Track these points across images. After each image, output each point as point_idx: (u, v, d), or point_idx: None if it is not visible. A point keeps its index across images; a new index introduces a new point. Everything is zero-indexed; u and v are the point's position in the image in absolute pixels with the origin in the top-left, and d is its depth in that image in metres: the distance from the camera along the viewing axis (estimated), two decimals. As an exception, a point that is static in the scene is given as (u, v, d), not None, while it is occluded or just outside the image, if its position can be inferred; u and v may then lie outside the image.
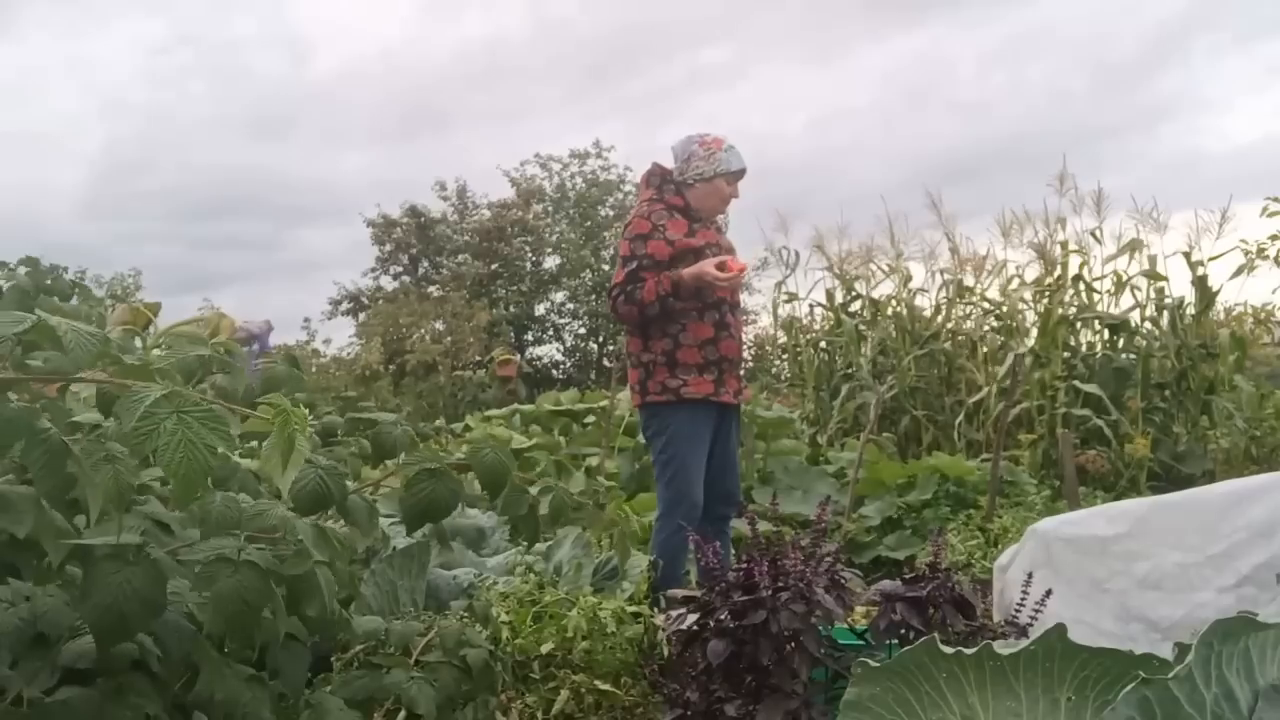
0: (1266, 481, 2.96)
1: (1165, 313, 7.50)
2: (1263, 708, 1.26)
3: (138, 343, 1.76)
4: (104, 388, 1.47)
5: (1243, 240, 7.35)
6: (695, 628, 2.54)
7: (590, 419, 7.44)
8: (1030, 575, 2.73)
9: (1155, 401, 7.24)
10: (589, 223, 20.44)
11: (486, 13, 31.81)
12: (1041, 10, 31.51)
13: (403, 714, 2.05)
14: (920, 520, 5.39)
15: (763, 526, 2.74)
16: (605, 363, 19.33)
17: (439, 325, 18.02)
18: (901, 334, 8.09)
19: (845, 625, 2.71)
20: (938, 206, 8.02)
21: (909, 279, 8.33)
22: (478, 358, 16.59)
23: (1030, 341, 7.59)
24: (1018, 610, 2.64)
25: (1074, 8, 31.71)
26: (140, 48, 34.61)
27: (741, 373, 4.04)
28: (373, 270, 21.00)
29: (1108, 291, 7.65)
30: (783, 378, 10.38)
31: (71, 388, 1.58)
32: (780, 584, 2.43)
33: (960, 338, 8.08)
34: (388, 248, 20.82)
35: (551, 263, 21.17)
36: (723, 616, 2.44)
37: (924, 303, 8.36)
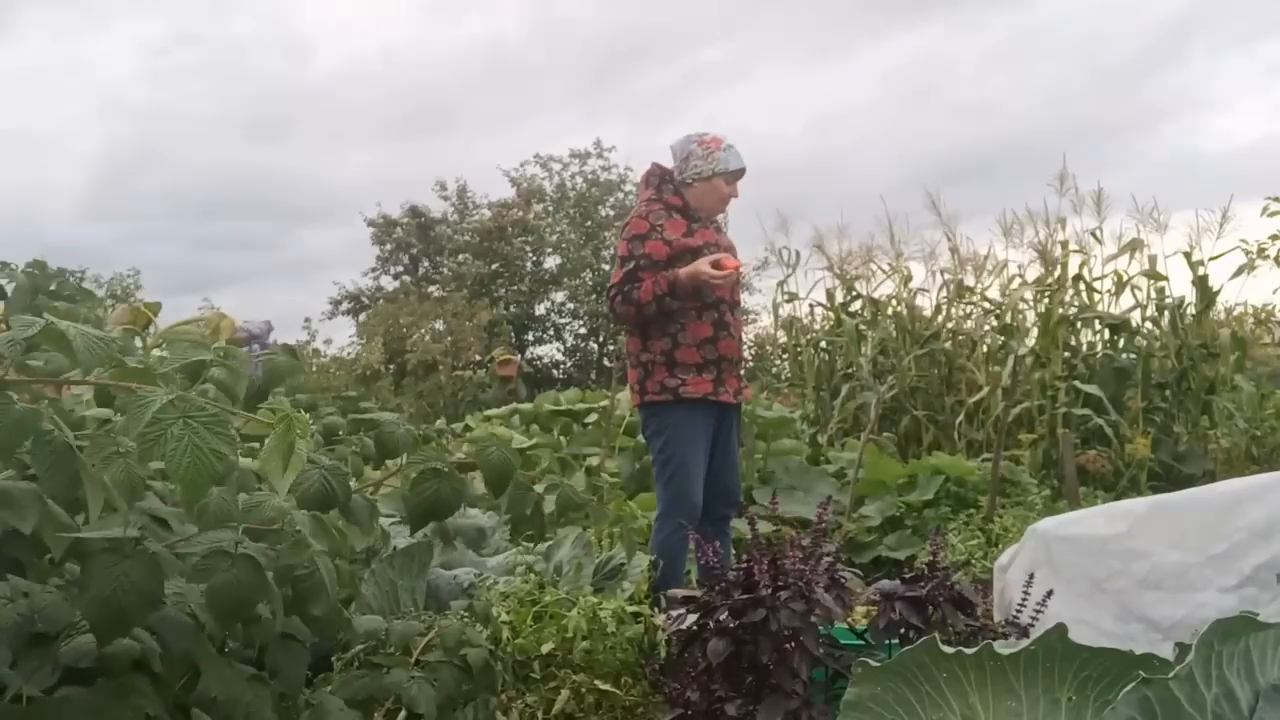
0: (1267, 481, 2.96)
1: (1166, 313, 7.49)
2: (1263, 708, 1.26)
3: (137, 343, 1.76)
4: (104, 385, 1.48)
5: (1243, 240, 7.36)
6: (695, 627, 2.54)
7: (590, 419, 7.44)
8: (1031, 575, 2.73)
9: (1156, 401, 7.23)
10: (589, 223, 20.43)
11: (487, 13, 31.81)
12: (1041, 10, 31.50)
13: (403, 714, 2.05)
14: (921, 520, 5.39)
15: (763, 527, 2.74)
16: (605, 363, 19.33)
17: (439, 325, 18.02)
18: (902, 334, 8.08)
19: (845, 625, 2.71)
20: (937, 206, 8.03)
21: (909, 279, 8.34)
22: (478, 357, 16.60)
23: (1030, 341, 7.59)
24: (1019, 610, 2.64)
25: (1074, 8, 31.70)
26: (140, 48, 34.62)
27: (742, 372, 4.04)
28: (373, 270, 21.01)
29: (1108, 291, 7.66)
30: (783, 378, 10.38)
31: (73, 387, 1.59)
32: (780, 583, 2.43)
33: (960, 338, 8.07)
34: (388, 247, 20.82)
35: (552, 263, 21.17)
36: (723, 616, 2.44)
37: (924, 303, 8.36)
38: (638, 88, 30.88)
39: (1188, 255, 7.44)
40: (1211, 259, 7.42)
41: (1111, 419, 6.88)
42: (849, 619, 2.74)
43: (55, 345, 1.38)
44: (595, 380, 18.09)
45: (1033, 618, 2.60)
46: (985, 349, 7.86)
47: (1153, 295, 7.58)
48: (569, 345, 21.56)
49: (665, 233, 3.84)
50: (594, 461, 5.94)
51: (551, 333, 21.60)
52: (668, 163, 4.02)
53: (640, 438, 4.75)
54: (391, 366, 17.55)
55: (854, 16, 31.42)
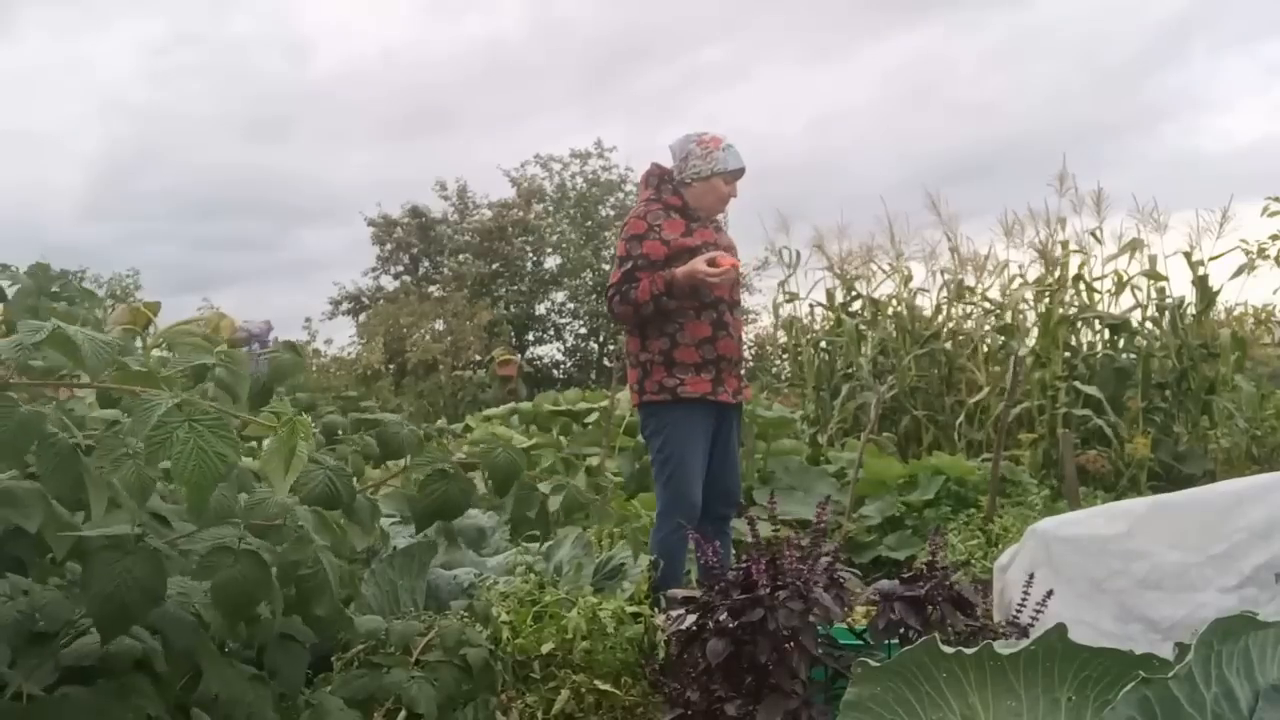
0: (1267, 482, 2.96)
1: (1166, 313, 7.49)
2: (1263, 707, 1.26)
3: (137, 343, 1.76)
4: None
5: (1243, 240, 7.36)
6: (695, 627, 2.54)
7: (591, 419, 7.45)
8: (1031, 575, 2.73)
9: (1156, 401, 7.23)
10: (590, 223, 20.43)
11: (487, 13, 31.81)
12: (1041, 10, 31.48)
13: (403, 714, 2.05)
14: (921, 520, 5.39)
15: (763, 528, 2.74)
16: (606, 363, 19.33)
17: (439, 325, 18.02)
18: (902, 334, 8.09)
19: (845, 625, 2.71)
20: (937, 206, 8.03)
21: (909, 279, 8.34)
22: (478, 357, 16.60)
23: (1030, 341, 7.59)
24: (1018, 610, 2.64)
25: (1074, 8, 31.67)
26: (140, 48, 34.61)
27: (742, 372, 4.03)
28: (373, 270, 21.02)
29: (1108, 291, 7.66)
30: (783, 378, 10.38)
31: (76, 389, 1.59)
32: (778, 583, 2.43)
33: (961, 338, 8.08)
34: (388, 247, 20.82)
35: (552, 263, 21.17)
36: (722, 616, 2.45)
37: (924, 303, 8.37)
38: (638, 88, 30.89)
39: (1188, 255, 7.44)
40: (1211, 259, 7.43)
41: (1111, 419, 6.88)
42: (848, 619, 2.74)
43: (62, 350, 1.40)
44: (595, 380, 18.09)
45: (1032, 618, 2.60)
46: (985, 349, 7.87)
47: (1153, 295, 7.58)
48: (569, 345, 21.57)
49: (663, 233, 3.84)
50: (594, 461, 5.94)
51: (552, 333, 21.61)
52: (667, 163, 4.02)
53: (640, 437, 4.76)
54: (391, 366, 17.55)
55: (854, 16, 31.43)
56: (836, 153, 31.23)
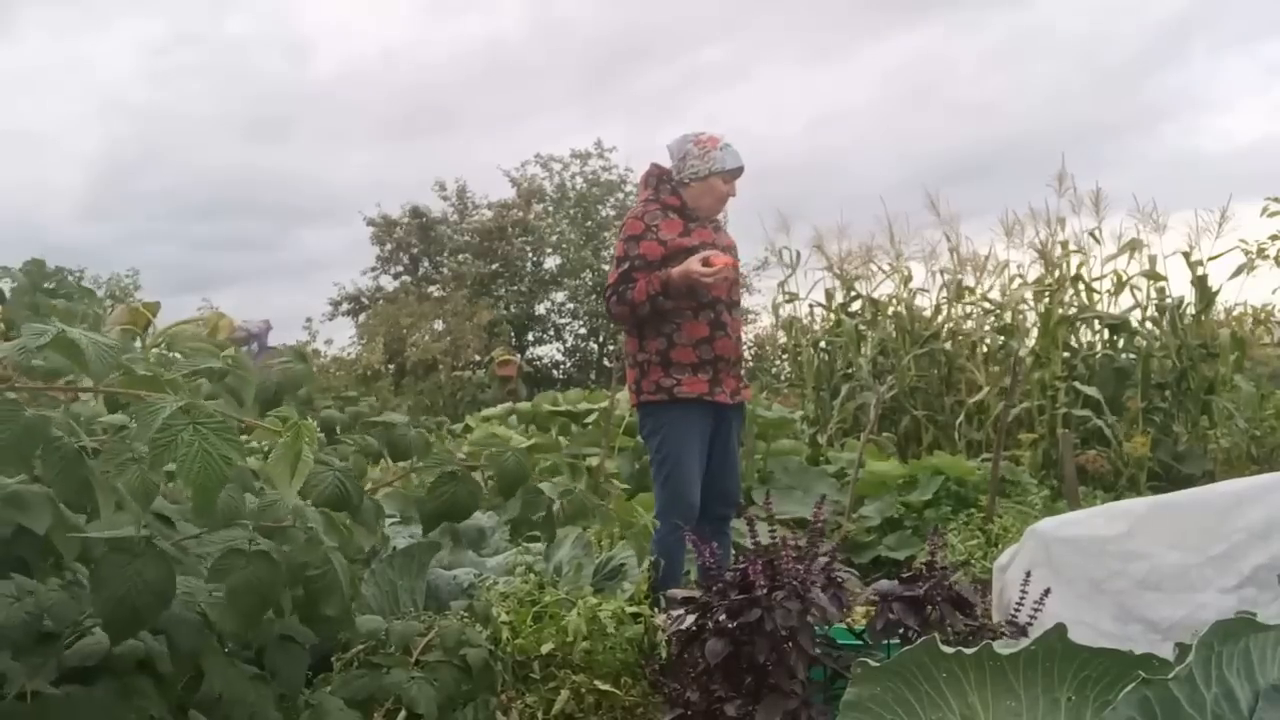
0: (1267, 482, 2.96)
1: (1165, 313, 7.50)
2: (1263, 708, 1.26)
3: (136, 343, 1.77)
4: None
5: (1242, 240, 7.36)
6: (694, 628, 2.54)
7: (590, 419, 7.45)
8: (1029, 574, 2.73)
9: (1155, 401, 7.24)
10: (590, 223, 20.43)
11: (487, 13, 31.77)
12: (1041, 10, 31.46)
13: (403, 714, 2.05)
14: (921, 520, 5.39)
15: (761, 529, 2.74)
16: (605, 363, 19.33)
17: (439, 325, 18.02)
18: (901, 334, 8.09)
19: (844, 625, 2.71)
20: (937, 206, 8.04)
21: (909, 279, 8.34)
22: (477, 357, 16.59)
23: (1030, 341, 7.59)
24: (1016, 609, 2.64)
25: (1074, 8, 31.64)
26: (140, 48, 34.59)
27: (741, 372, 4.03)
28: (373, 270, 21.02)
29: (1108, 291, 7.66)
30: (783, 378, 10.38)
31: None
32: (776, 583, 2.43)
33: (960, 338, 8.08)
34: (388, 247, 20.82)
35: (552, 263, 21.16)
36: (721, 617, 2.45)
37: (924, 302, 8.37)
38: (638, 88, 30.86)
39: (1187, 255, 7.44)
40: (1211, 259, 7.44)
41: (1110, 420, 6.88)
42: (848, 619, 2.74)
43: (66, 353, 1.41)
44: (595, 380, 18.08)
45: (1031, 617, 2.60)
46: (985, 349, 7.87)
47: (1152, 295, 7.58)
48: (569, 345, 21.56)
49: (660, 233, 3.84)
50: (594, 461, 5.94)
51: (551, 333, 21.60)
52: (667, 163, 4.02)
53: (639, 438, 4.76)
54: (391, 366, 17.54)
55: (854, 16, 31.37)
56: (836, 153, 31.21)
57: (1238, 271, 7.42)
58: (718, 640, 2.41)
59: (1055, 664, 1.37)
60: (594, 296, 19.55)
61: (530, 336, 21.27)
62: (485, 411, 8.72)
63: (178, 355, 1.83)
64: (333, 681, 2.10)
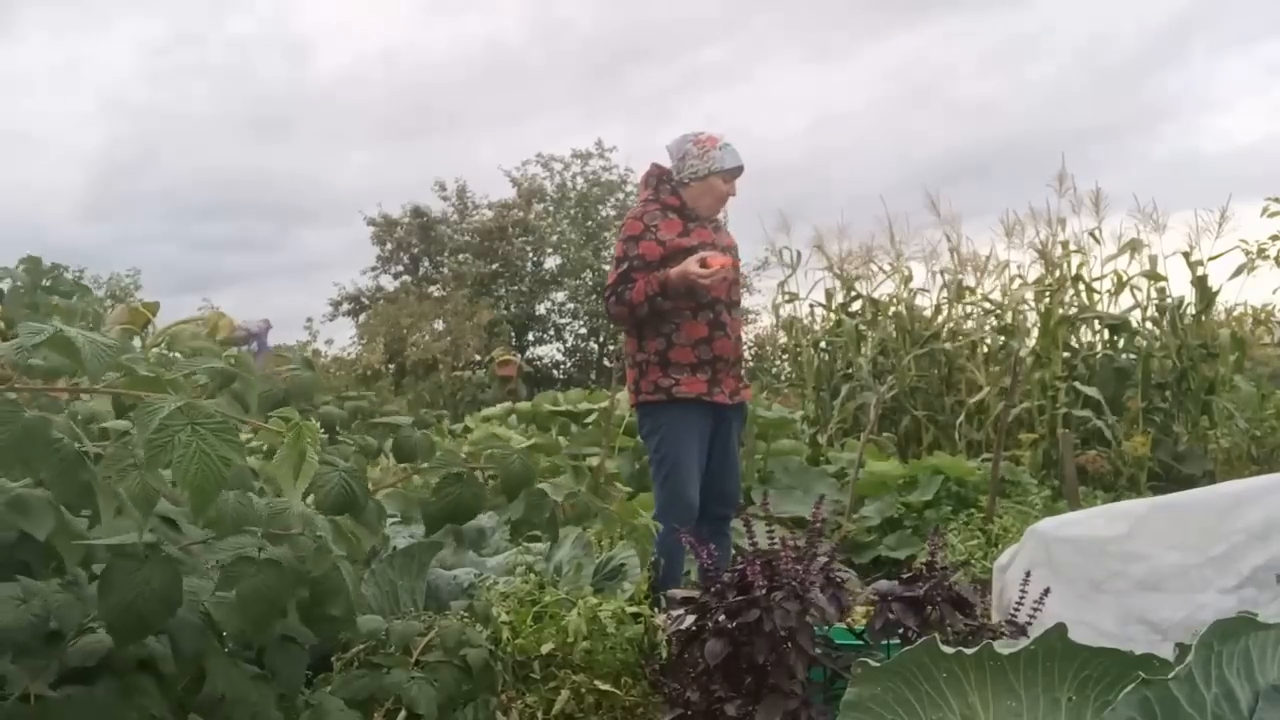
0: (1267, 483, 2.96)
1: (1165, 313, 7.50)
2: (1263, 708, 1.26)
3: (136, 343, 1.77)
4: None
5: (1242, 240, 7.36)
6: (694, 628, 2.54)
7: (590, 419, 7.45)
8: (1029, 574, 2.73)
9: (1155, 401, 7.24)
10: (590, 223, 20.42)
11: (487, 13, 31.79)
12: (1041, 10, 31.49)
13: (403, 714, 2.05)
14: (921, 520, 5.39)
15: (762, 531, 2.74)
16: (606, 363, 19.33)
17: (439, 325, 18.02)
18: (902, 334, 8.09)
19: (844, 625, 2.71)
20: (937, 207, 8.04)
21: (909, 279, 8.34)
22: (477, 357, 16.59)
23: (1030, 341, 7.59)
24: (1016, 609, 2.63)
25: (1074, 8, 31.67)
26: (140, 48, 34.60)
27: (741, 372, 4.03)
28: (373, 269, 21.02)
29: (1108, 291, 7.66)
30: (783, 378, 10.38)
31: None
32: (774, 584, 2.43)
33: (961, 338, 8.08)
34: (388, 247, 20.81)
35: (552, 263, 21.16)
36: (720, 618, 2.44)
37: (924, 303, 8.37)
38: (638, 88, 30.88)
39: (1187, 255, 7.44)
40: (1211, 259, 7.44)
41: (1110, 420, 6.88)
42: (848, 619, 2.74)
43: (63, 352, 1.39)
44: (595, 380, 18.08)
45: (1030, 616, 2.60)
46: (985, 349, 7.87)
47: (1152, 295, 7.58)
48: (569, 345, 21.56)
49: (659, 233, 3.84)
50: (594, 461, 5.94)
51: (552, 333, 21.60)
52: (667, 163, 4.02)
53: (639, 437, 4.76)
54: (391, 366, 17.54)
55: (854, 16, 31.41)
56: (837, 153, 31.24)
57: (1238, 271, 7.42)
58: (717, 641, 2.41)
59: (1055, 664, 1.37)
60: (594, 296, 19.56)
61: (530, 336, 21.28)
62: (485, 411, 8.72)
63: (177, 355, 1.83)
64: (333, 681, 2.10)
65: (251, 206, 31.27)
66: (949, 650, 1.39)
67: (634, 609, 3.01)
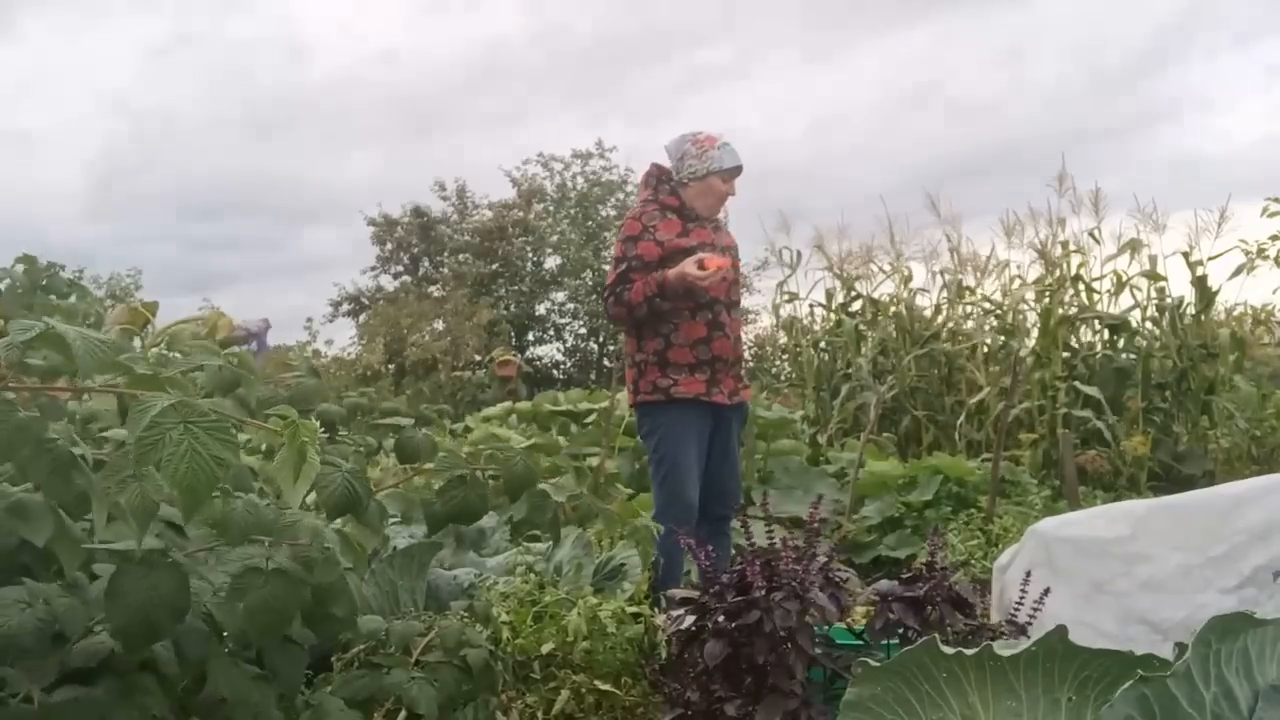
0: (1267, 483, 2.96)
1: (1165, 313, 7.50)
2: (1263, 708, 1.26)
3: (135, 343, 1.77)
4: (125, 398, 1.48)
5: (1242, 240, 7.37)
6: (694, 628, 2.54)
7: (590, 419, 7.45)
8: (1029, 574, 2.73)
9: (1155, 401, 7.24)
10: (590, 223, 20.42)
11: (487, 14, 31.78)
12: (1041, 10, 31.47)
13: (403, 714, 2.05)
14: (921, 520, 5.39)
15: (761, 531, 2.73)
16: (606, 363, 19.33)
17: (439, 325, 18.02)
18: (902, 334, 8.09)
19: (844, 625, 2.71)
20: (937, 207, 8.05)
21: (909, 279, 8.34)
22: (477, 357, 16.59)
23: (1030, 341, 7.60)
24: (1016, 609, 2.63)
25: (1074, 8, 31.65)
26: (140, 48, 34.60)
27: (741, 372, 4.02)
28: (373, 269, 21.02)
29: (1108, 291, 7.67)
30: (783, 378, 10.38)
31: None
32: (774, 584, 2.43)
33: (961, 338, 8.08)
34: (388, 247, 20.81)
35: (552, 263, 21.16)
36: (720, 618, 2.44)
37: (924, 303, 8.38)
38: (638, 88, 30.88)
39: (1187, 255, 7.44)
40: (1211, 259, 7.44)
41: (1110, 419, 6.88)
42: (848, 619, 2.74)
43: (54, 348, 1.37)
44: (595, 380, 18.09)
45: (1030, 616, 2.60)
46: (985, 349, 7.87)
47: (1152, 295, 7.58)
48: (569, 345, 21.56)
49: (658, 233, 3.84)
50: (594, 462, 5.94)
51: (552, 333, 21.60)
52: (667, 163, 4.01)
53: (639, 438, 4.76)
54: (391, 366, 17.54)
55: (854, 16, 31.39)
56: (837, 153, 31.22)
57: (1237, 271, 7.42)
58: (716, 642, 2.41)
59: (1056, 664, 1.37)
60: (594, 296, 19.56)
61: (530, 336, 21.27)
62: (485, 411, 8.72)
63: (177, 355, 1.83)
64: (333, 681, 2.10)
65: (251, 206, 31.28)
66: (949, 650, 1.39)
67: (634, 609, 3.00)
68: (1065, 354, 7.43)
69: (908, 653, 1.41)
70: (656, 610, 3.04)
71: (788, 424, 6.96)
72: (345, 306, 20.65)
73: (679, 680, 2.55)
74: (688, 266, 3.68)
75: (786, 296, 8.72)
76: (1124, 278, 7.59)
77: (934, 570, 2.59)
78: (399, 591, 2.84)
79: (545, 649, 2.81)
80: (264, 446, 1.96)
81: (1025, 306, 7.93)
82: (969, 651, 1.39)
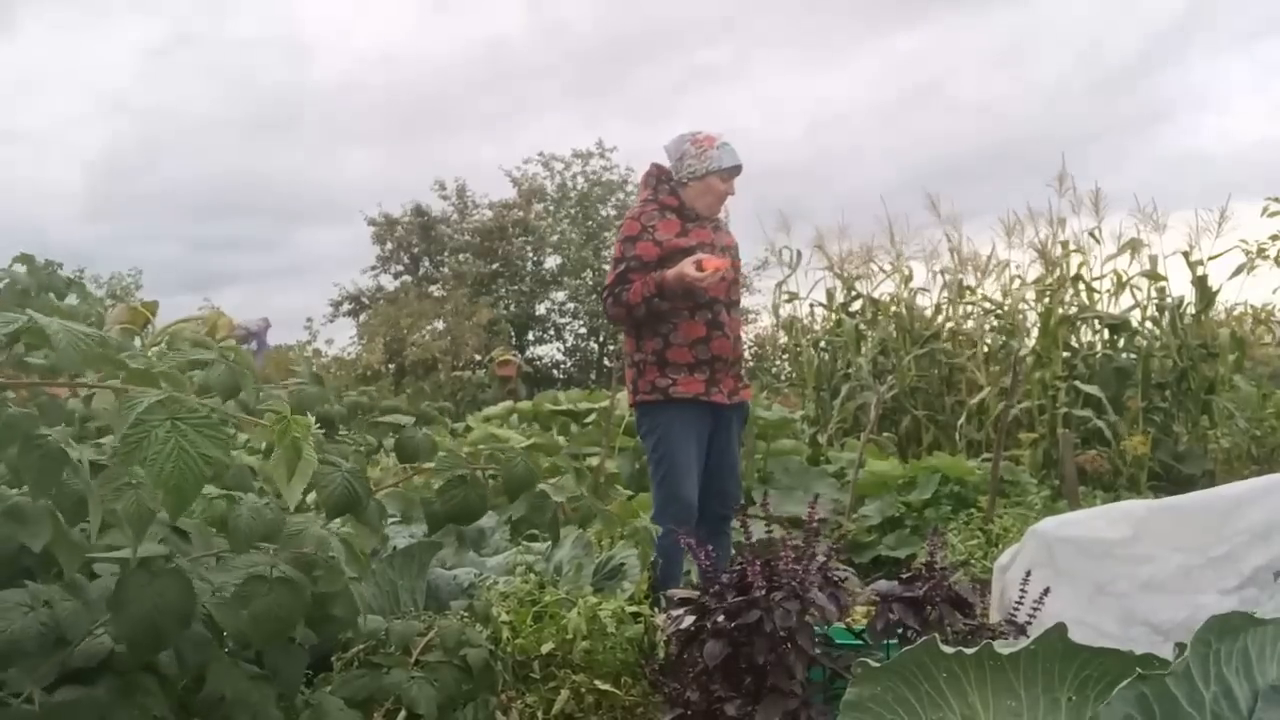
0: (1267, 484, 2.96)
1: (1165, 313, 7.50)
2: (1262, 708, 1.26)
3: (136, 342, 1.76)
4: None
5: (1242, 240, 7.37)
6: (694, 628, 2.54)
7: (590, 419, 7.45)
8: (1029, 574, 2.73)
9: (1155, 401, 7.24)
10: (590, 222, 20.42)
11: (487, 14, 31.79)
12: (1041, 10, 31.48)
13: (403, 714, 2.05)
14: (921, 520, 5.39)
15: (758, 529, 2.73)
16: (606, 363, 19.32)
17: (439, 324, 18.02)
18: (902, 334, 8.09)
19: (843, 625, 2.71)
20: (937, 206, 8.05)
21: (909, 279, 8.34)
22: (477, 356, 16.59)
23: (1030, 341, 7.60)
24: (1016, 608, 2.63)
25: (1074, 8, 31.65)
26: (140, 48, 34.61)
27: (741, 372, 4.02)
28: (373, 269, 21.02)
29: (1108, 291, 7.67)
30: (783, 378, 10.38)
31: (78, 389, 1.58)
32: (774, 584, 2.43)
33: (961, 338, 8.08)
34: (389, 247, 20.82)
35: (552, 262, 21.17)
36: (719, 618, 2.44)
37: (924, 302, 8.38)
38: (638, 88, 30.89)
39: (1187, 255, 7.44)
40: (1211, 259, 7.44)
41: (1111, 419, 6.88)
42: (848, 619, 2.74)
43: (36, 341, 1.33)
44: (595, 380, 18.09)
45: (1030, 616, 2.60)
46: (985, 349, 7.87)
47: (1152, 295, 7.59)
48: (569, 345, 21.56)
49: (657, 233, 3.83)
50: (594, 462, 5.94)
51: (552, 332, 21.60)
52: (667, 163, 4.01)
53: (638, 437, 4.76)
54: (391, 366, 17.54)
55: (854, 16, 31.40)
56: (837, 153, 31.23)
57: (1237, 271, 7.42)
58: (716, 642, 2.41)
59: (1056, 664, 1.37)
60: (594, 296, 19.55)
61: (530, 336, 21.27)
62: (486, 410, 8.71)
63: (173, 352, 1.83)
64: (333, 681, 2.09)
65: (251, 206, 31.27)
66: (949, 650, 1.39)
67: (634, 609, 3.00)
68: (1065, 354, 7.43)
69: (907, 652, 1.41)
70: (656, 610, 3.04)
71: (788, 424, 6.96)
72: (345, 306, 20.66)
73: (679, 680, 2.54)
74: (686, 267, 3.68)
75: (786, 296, 8.73)
76: (1124, 278, 7.60)
77: (933, 570, 2.59)
78: (399, 591, 2.84)
79: (545, 649, 2.81)
80: (264, 446, 1.96)
81: (1025, 306, 7.93)
82: (969, 651, 1.38)
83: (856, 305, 8.52)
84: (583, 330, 21.25)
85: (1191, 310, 7.49)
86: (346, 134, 31.17)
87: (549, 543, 3.61)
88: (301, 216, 32.46)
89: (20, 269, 1.96)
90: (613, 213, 20.12)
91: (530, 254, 20.99)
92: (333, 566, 1.59)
